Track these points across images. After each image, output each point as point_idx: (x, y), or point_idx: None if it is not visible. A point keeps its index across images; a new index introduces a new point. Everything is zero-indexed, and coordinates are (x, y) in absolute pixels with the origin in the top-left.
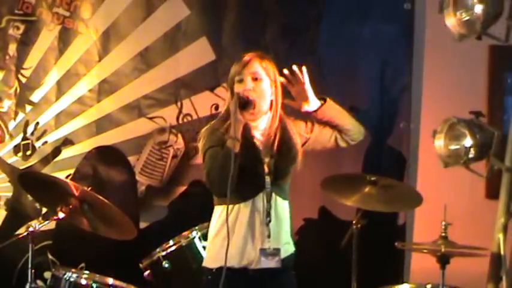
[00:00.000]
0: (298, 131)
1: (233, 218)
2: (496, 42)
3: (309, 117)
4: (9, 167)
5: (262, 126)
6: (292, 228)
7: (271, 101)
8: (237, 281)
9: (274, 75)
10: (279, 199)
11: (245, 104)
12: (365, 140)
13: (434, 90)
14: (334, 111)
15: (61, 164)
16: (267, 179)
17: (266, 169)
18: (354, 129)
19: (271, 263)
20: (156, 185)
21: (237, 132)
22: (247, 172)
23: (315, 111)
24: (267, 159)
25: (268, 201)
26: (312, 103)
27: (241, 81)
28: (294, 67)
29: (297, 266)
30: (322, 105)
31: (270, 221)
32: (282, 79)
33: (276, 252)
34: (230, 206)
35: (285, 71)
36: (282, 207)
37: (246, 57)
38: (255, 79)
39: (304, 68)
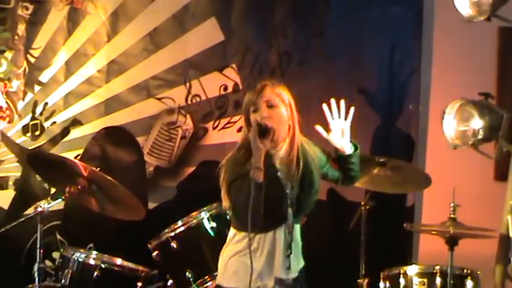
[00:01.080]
0: (318, 161)
1: (253, 247)
2: (505, 24)
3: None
4: (18, 147)
5: (281, 153)
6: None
7: (289, 125)
8: None
9: (289, 100)
10: (296, 226)
11: (264, 132)
12: (374, 122)
13: (444, 72)
14: (358, 159)
15: (70, 145)
16: (289, 211)
17: (288, 201)
18: (357, 178)
19: None
20: (165, 165)
21: (258, 161)
22: (271, 204)
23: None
24: (288, 191)
25: (290, 233)
26: (346, 145)
27: (256, 110)
28: (342, 103)
29: (305, 248)
30: (355, 148)
31: (290, 253)
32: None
33: (294, 284)
34: (252, 234)
35: (332, 102)
36: (298, 232)
37: (259, 86)
38: (270, 106)
39: (352, 109)
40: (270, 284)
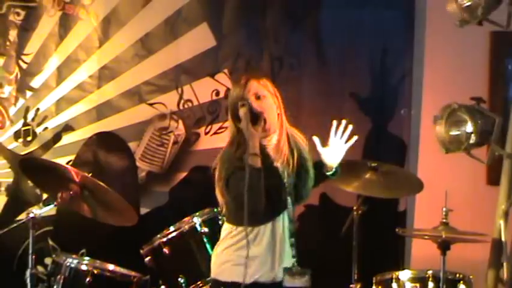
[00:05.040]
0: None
1: (252, 237)
2: (497, 29)
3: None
4: (10, 152)
5: (273, 142)
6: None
7: (278, 114)
8: None
9: (274, 90)
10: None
11: (256, 117)
12: (366, 126)
13: (435, 76)
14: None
15: (61, 150)
16: (289, 199)
17: (287, 190)
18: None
19: (298, 282)
20: (157, 171)
21: (254, 147)
22: (271, 193)
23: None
24: (285, 179)
25: (291, 221)
26: (333, 165)
27: (244, 105)
28: (350, 127)
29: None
30: (336, 171)
31: (294, 241)
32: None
33: (305, 272)
34: (249, 228)
35: (343, 123)
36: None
37: (243, 80)
38: (258, 97)
39: (356, 137)
40: (273, 275)
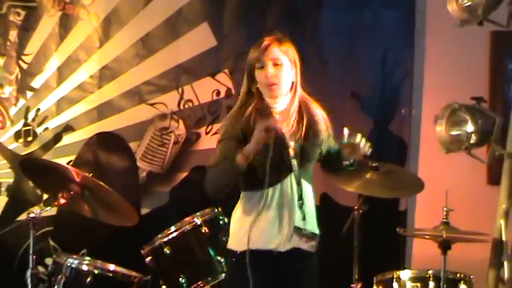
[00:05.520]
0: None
1: (261, 203)
2: (497, 28)
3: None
4: (11, 153)
5: (281, 107)
6: (317, 212)
7: (292, 82)
8: (263, 263)
9: (294, 57)
10: (305, 183)
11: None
12: (367, 126)
13: (436, 76)
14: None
15: (62, 150)
16: (294, 162)
17: (292, 153)
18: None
19: (304, 245)
20: (157, 171)
21: (250, 153)
22: (274, 158)
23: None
24: (292, 143)
25: (298, 184)
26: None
27: (262, 67)
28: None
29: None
30: (352, 164)
31: (302, 204)
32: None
33: (314, 236)
34: (259, 192)
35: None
36: (308, 190)
37: (265, 43)
38: (276, 64)
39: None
40: (281, 239)
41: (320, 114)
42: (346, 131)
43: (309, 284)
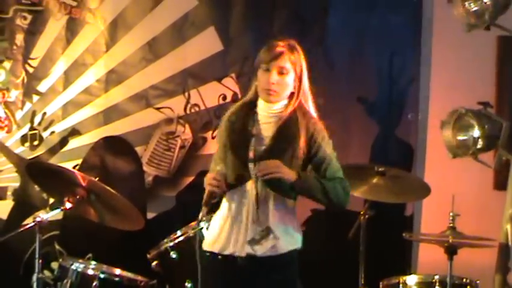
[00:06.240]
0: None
1: (226, 205)
2: (504, 33)
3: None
4: (17, 157)
5: (276, 107)
6: (294, 220)
7: (292, 92)
8: (228, 268)
9: (301, 70)
10: (266, 187)
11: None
12: (373, 130)
13: (443, 81)
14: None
15: (68, 154)
16: (250, 165)
17: (251, 155)
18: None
19: (260, 249)
20: (164, 175)
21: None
22: (235, 161)
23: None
24: (253, 146)
25: (255, 188)
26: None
27: (267, 70)
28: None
29: (304, 257)
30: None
31: (258, 207)
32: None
33: (265, 233)
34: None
35: None
36: (269, 194)
37: (278, 49)
38: (281, 73)
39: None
40: (241, 244)
41: (312, 125)
42: None
43: None
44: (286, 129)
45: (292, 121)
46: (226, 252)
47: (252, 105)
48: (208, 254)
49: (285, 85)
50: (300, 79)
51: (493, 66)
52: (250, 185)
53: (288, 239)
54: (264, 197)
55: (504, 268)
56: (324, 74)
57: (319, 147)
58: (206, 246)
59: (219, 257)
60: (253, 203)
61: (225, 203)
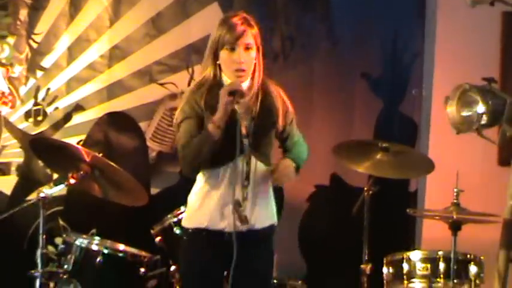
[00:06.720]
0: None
1: (213, 181)
2: (509, 9)
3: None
4: (21, 132)
5: (245, 85)
6: (272, 196)
7: (254, 64)
8: (214, 244)
9: (259, 40)
10: (260, 164)
11: (236, 93)
12: (377, 107)
13: (447, 57)
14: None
15: (72, 130)
16: (245, 141)
17: (244, 131)
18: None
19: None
20: (167, 151)
21: (221, 120)
22: (226, 137)
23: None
24: (246, 122)
25: (248, 163)
26: None
27: (233, 49)
28: None
29: (308, 233)
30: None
31: (248, 184)
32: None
33: (245, 219)
34: (210, 170)
35: None
36: (260, 171)
37: (241, 28)
38: (247, 49)
39: None
40: (231, 219)
41: (278, 94)
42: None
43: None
44: (267, 103)
45: (267, 94)
46: (214, 228)
47: (219, 86)
48: (190, 230)
49: (251, 61)
50: (259, 51)
51: (498, 42)
52: (240, 162)
53: (270, 215)
54: (254, 173)
55: (508, 244)
56: (328, 50)
57: (292, 123)
58: (189, 223)
59: (204, 233)
60: (242, 179)
61: (209, 179)
